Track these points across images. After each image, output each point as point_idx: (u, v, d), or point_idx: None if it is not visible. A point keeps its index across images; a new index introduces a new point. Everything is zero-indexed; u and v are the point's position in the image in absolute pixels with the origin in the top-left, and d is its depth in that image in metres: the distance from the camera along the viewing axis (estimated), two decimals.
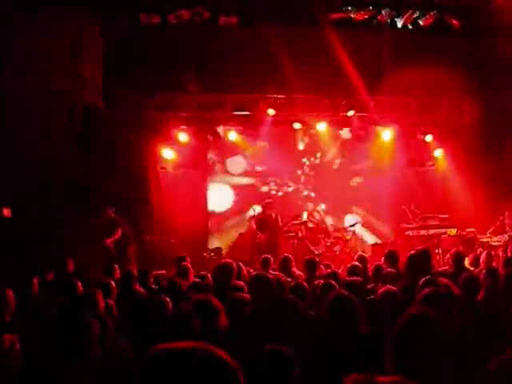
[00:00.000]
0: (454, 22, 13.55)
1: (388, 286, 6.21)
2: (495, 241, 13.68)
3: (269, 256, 9.67)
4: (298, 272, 9.31)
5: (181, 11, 12.48)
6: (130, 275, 7.90)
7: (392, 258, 8.77)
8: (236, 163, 16.82)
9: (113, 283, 7.18)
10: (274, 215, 14.58)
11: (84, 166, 12.25)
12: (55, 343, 4.49)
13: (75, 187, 12.02)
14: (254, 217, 14.59)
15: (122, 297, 6.96)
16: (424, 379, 3.21)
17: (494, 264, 9.56)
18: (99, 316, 4.89)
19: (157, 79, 14.09)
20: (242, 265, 8.84)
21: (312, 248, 14.66)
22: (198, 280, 7.97)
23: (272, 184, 16.96)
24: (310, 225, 15.83)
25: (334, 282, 6.72)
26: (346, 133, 16.81)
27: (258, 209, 14.86)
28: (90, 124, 12.40)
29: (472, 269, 9.54)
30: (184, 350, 1.93)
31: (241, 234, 15.78)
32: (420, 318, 3.43)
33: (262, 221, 14.36)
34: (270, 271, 8.57)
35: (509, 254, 10.87)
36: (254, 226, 14.37)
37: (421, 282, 6.34)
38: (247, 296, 6.14)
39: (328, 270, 8.25)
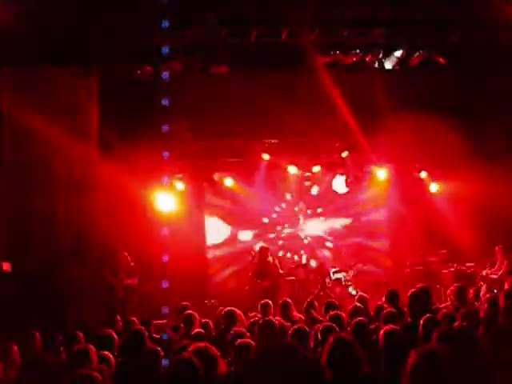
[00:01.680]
0: (441, 59, 13.74)
1: (389, 326, 6.21)
2: (494, 274, 13.69)
3: (268, 301, 9.65)
4: (298, 315, 9.30)
5: (172, 62, 12.66)
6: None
7: (392, 297, 8.77)
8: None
9: (114, 335, 7.18)
10: (271, 260, 14.58)
11: (82, 215, 12.30)
12: None
13: (73, 237, 12.06)
14: (252, 262, 14.60)
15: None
16: None
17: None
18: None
19: (152, 129, 14.22)
20: (240, 313, 8.85)
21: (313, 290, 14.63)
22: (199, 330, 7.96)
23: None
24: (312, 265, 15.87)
25: (333, 325, 6.73)
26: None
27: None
28: (88, 174, 12.51)
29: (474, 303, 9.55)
30: None
31: (241, 280, 15.73)
32: (433, 355, 3.45)
33: (260, 267, 14.34)
34: (271, 316, 8.55)
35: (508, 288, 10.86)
36: (252, 275, 14.35)
37: (422, 320, 6.36)
38: (251, 342, 6.15)
39: (332, 312, 8.23)
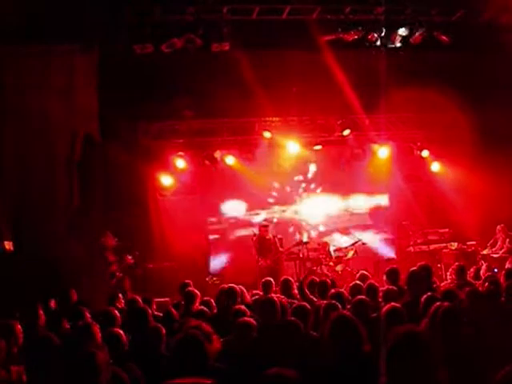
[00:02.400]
0: (444, 37, 13.64)
1: (392, 304, 6.23)
2: (495, 253, 13.73)
3: (270, 279, 9.69)
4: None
5: (173, 40, 12.58)
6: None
7: (393, 275, 8.79)
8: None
9: (116, 312, 7.21)
10: (272, 238, 14.66)
11: (84, 195, 12.30)
12: (62, 375, 4.53)
13: (76, 217, 12.06)
14: (253, 240, 14.66)
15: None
16: None
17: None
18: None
19: (153, 107, 14.20)
20: (244, 289, 8.89)
21: (314, 268, 14.66)
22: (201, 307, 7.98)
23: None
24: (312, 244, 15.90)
25: (336, 303, 6.75)
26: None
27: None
28: (90, 153, 12.48)
29: (474, 282, 9.57)
30: None
31: (243, 258, 15.76)
32: (407, 335, 3.46)
33: (261, 245, 14.42)
34: (272, 294, 8.58)
35: (510, 267, 10.89)
36: (254, 252, 14.43)
37: (423, 298, 6.38)
38: (252, 320, 6.18)
39: (333, 290, 8.25)
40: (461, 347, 4.62)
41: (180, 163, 15.67)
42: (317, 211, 17.13)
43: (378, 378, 3.70)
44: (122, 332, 5.96)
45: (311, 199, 17.20)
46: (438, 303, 5.49)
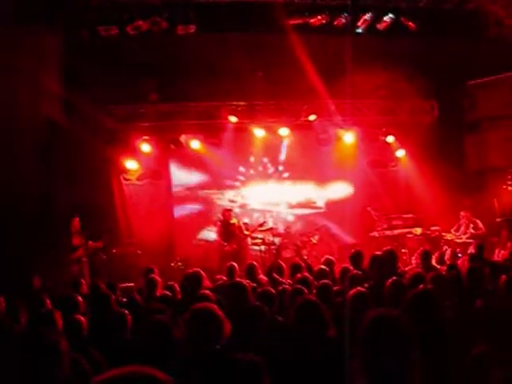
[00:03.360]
0: (410, 24, 13.68)
1: (358, 288, 6.24)
2: (459, 238, 13.87)
3: (234, 264, 9.67)
4: (264, 278, 9.32)
5: (138, 22, 12.43)
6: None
7: (357, 258, 8.83)
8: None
9: (80, 298, 7.11)
10: (237, 222, 14.63)
11: (47, 178, 12.13)
12: (23, 364, 4.43)
13: (39, 200, 11.89)
14: (217, 225, 14.63)
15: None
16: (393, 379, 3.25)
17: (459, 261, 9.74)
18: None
19: (118, 90, 14.03)
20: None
21: (280, 253, 14.68)
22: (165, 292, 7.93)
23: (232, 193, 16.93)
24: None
25: (302, 287, 6.74)
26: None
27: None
28: (53, 136, 12.30)
29: (438, 267, 9.66)
30: (119, 378, 1.89)
31: (208, 243, 15.70)
32: (383, 318, 3.45)
33: (225, 230, 14.37)
34: (237, 279, 8.55)
35: (473, 251, 11.02)
36: (218, 238, 14.38)
37: (388, 282, 6.40)
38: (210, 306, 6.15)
39: (298, 275, 8.25)
40: (433, 331, 4.64)
41: (145, 147, 15.51)
42: (281, 197, 17.12)
43: (346, 363, 3.69)
44: (82, 318, 5.87)
45: (277, 184, 17.17)
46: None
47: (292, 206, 17.06)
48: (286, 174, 17.13)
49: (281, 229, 16.02)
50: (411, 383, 3.27)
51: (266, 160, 17.04)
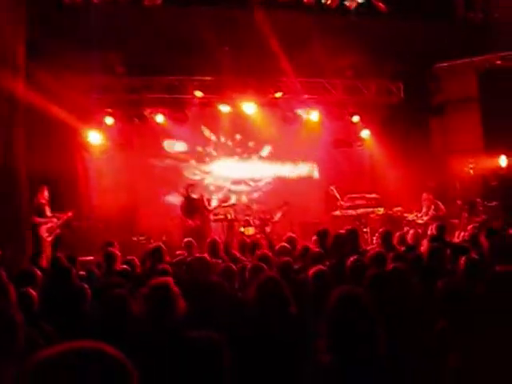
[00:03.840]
0: (381, 5, 13.69)
1: (319, 266, 6.24)
2: (420, 219, 14.01)
3: (191, 240, 9.66)
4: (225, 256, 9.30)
5: None
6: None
7: (323, 237, 8.86)
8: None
9: (37, 272, 7.00)
10: (200, 197, 14.53)
11: (7, 150, 11.88)
12: None
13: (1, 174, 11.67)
14: (181, 200, 14.54)
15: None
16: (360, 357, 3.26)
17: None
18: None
19: (83, 61, 13.77)
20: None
21: (242, 230, 14.68)
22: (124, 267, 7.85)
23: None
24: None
25: (263, 264, 6.72)
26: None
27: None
28: (14, 109, 12.04)
29: (399, 247, 9.72)
30: (65, 354, 1.83)
31: (172, 218, 15.58)
32: (349, 296, 3.46)
33: (188, 205, 14.25)
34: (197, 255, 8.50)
35: (434, 232, 11.10)
36: (181, 213, 14.28)
37: (349, 261, 6.41)
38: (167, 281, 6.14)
39: (258, 252, 8.24)
40: (396, 309, 4.67)
41: (108, 120, 15.31)
42: (245, 174, 17.12)
43: (307, 339, 3.68)
44: (33, 292, 5.78)
45: (241, 161, 17.16)
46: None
47: (254, 181, 17.09)
48: (251, 152, 17.12)
49: (242, 205, 15.99)
50: (377, 359, 3.29)
51: (230, 136, 17.00)
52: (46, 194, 12.82)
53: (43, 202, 12.75)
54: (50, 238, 12.57)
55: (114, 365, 1.84)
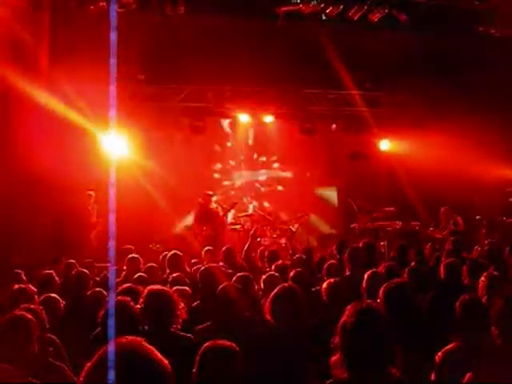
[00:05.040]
0: (402, 16, 13.65)
1: (334, 279, 6.25)
2: (438, 234, 13.93)
3: (210, 248, 9.77)
4: (242, 262, 9.32)
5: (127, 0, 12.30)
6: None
7: (342, 249, 8.85)
8: None
9: (55, 276, 7.07)
10: (215, 207, 14.54)
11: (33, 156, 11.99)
12: None
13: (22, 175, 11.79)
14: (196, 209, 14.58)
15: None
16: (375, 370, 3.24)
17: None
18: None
19: (104, 68, 13.85)
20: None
21: (259, 240, 14.65)
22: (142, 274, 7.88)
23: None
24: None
25: (278, 275, 6.74)
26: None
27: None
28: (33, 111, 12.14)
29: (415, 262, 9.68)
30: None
31: (188, 227, 15.58)
32: (366, 312, 3.44)
33: (203, 214, 14.27)
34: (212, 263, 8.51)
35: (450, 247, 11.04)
36: (194, 221, 14.33)
37: (366, 275, 6.38)
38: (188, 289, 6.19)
39: (277, 263, 8.25)
40: (408, 324, 4.65)
41: (129, 128, 15.35)
42: (260, 184, 17.19)
43: (325, 351, 3.67)
44: (57, 296, 5.83)
45: (260, 172, 17.21)
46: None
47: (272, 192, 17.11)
48: (270, 163, 17.16)
49: (260, 215, 15.99)
50: (391, 375, 3.27)
51: (248, 147, 17.06)
52: (91, 200, 13.14)
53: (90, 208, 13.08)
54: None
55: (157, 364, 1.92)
